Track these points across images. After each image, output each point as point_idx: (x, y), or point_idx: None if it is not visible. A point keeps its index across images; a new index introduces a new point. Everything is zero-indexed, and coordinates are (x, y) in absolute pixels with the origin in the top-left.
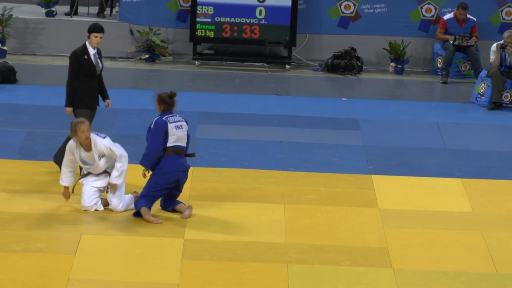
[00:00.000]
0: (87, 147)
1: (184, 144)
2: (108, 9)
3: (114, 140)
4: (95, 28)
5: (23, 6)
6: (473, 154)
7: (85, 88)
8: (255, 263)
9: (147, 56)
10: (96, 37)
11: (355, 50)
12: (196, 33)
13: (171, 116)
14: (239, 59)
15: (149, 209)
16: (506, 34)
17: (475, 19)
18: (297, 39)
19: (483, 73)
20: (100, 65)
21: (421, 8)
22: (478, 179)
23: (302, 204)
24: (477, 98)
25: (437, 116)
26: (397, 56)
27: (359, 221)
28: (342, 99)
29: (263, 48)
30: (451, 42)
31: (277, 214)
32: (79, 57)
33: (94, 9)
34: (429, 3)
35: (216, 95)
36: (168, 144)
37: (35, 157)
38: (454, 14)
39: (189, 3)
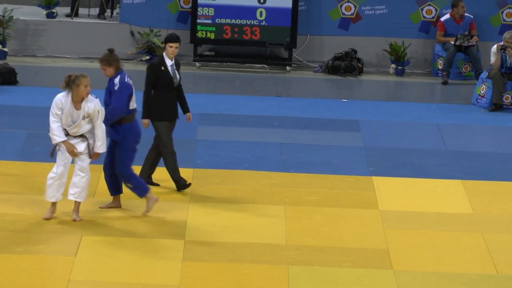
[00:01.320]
0: (78, 104)
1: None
2: (108, 11)
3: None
4: (170, 38)
5: (24, 7)
6: (474, 155)
7: (162, 100)
8: (256, 264)
9: (147, 57)
10: (171, 47)
11: (355, 52)
12: (197, 34)
13: (128, 77)
14: (240, 60)
15: None
16: (506, 35)
17: (471, 16)
18: (298, 40)
19: (484, 74)
20: (178, 76)
21: (422, 9)
22: (478, 180)
23: (302, 206)
24: (478, 100)
25: (437, 117)
26: (398, 58)
27: (359, 222)
28: (343, 100)
29: (264, 49)
30: (452, 43)
31: (278, 216)
32: (155, 69)
33: (95, 11)
34: (429, 5)
35: (217, 96)
36: (131, 107)
37: (35, 159)
38: (450, 14)
39: (190, 5)
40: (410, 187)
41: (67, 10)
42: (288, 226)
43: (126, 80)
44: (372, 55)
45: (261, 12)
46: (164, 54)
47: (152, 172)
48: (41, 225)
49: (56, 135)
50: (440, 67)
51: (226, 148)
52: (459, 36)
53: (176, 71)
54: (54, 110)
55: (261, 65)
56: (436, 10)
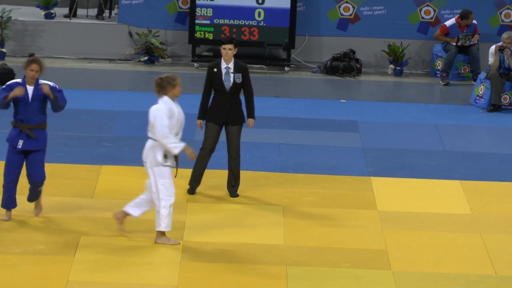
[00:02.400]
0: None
1: None
2: (107, 11)
3: (111, 142)
4: (223, 40)
5: (22, 8)
6: (472, 156)
7: (214, 102)
8: (254, 265)
9: (146, 58)
10: (224, 49)
11: (354, 52)
12: (195, 35)
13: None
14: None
15: None
16: (504, 35)
17: (476, 22)
18: (296, 41)
19: (482, 75)
20: (231, 80)
21: (420, 10)
22: (477, 181)
23: (301, 206)
24: (476, 100)
25: (436, 118)
26: (396, 58)
27: (358, 223)
28: (341, 101)
29: (262, 50)
30: (454, 44)
31: (276, 216)
32: (209, 70)
33: (93, 11)
34: (428, 5)
35: None
36: None
37: None
38: (456, 20)
39: (188, 5)
40: (408, 188)
41: (66, 10)
42: (286, 227)
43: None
44: (371, 55)
45: (259, 13)
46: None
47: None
48: (40, 226)
49: (175, 142)
50: (439, 67)
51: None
52: (460, 36)
53: (232, 75)
54: (164, 121)
55: (259, 66)
56: (434, 10)
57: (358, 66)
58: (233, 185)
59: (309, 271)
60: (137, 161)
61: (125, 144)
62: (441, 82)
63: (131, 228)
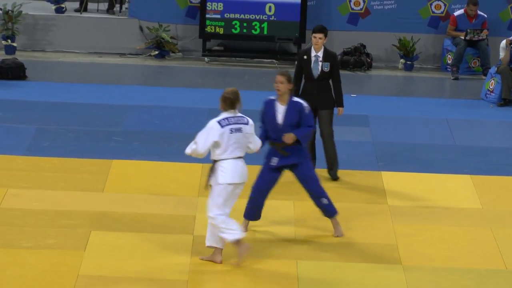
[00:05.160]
0: None
1: None
2: (117, 6)
3: (121, 136)
4: (314, 29)
5: (33, 2)
6: (483, 150)
7: (304, 89)
8: (265, 259)
9: (156, 52)
10: (314, 37)
11: (364, 47)
12: (206, 29)
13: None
14: (249, 55)
15: None
16: None
17: (485, 15)
18: (307, 35)
19: (493, 69)
20: (319, 68)
21: (431, 4)
22: (487, 175)
23: (311, 201)
24: (487, 95)
25: (446, 112)
26: (407, 53)
27: (368, 217)
28: (352, 95)
29: (273, 44)
30: (463, 38)
31: (287, 211)
32: (300, 57)
33: (104, 6)
34: (438, 0)
35: None
36: None
37: (44, 154)
38: (464, 10)
39: (199, 0)
40: (419, 182)
41: (76, 5)
42: (297, 221)
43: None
44: (381, 50)
45: (270, 7)
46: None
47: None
48: (50, 220)
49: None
50: (449, 62)
51: None
52: (468, 30)
53: (320, 63)
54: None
55: (270, 60)
56: (445, 5)
57: (369, 60)
58: (330, 169)
59: (320, 266)
60: (148, 155)
61: (135, 138)
62: (451, 76)
63: (140, 222)
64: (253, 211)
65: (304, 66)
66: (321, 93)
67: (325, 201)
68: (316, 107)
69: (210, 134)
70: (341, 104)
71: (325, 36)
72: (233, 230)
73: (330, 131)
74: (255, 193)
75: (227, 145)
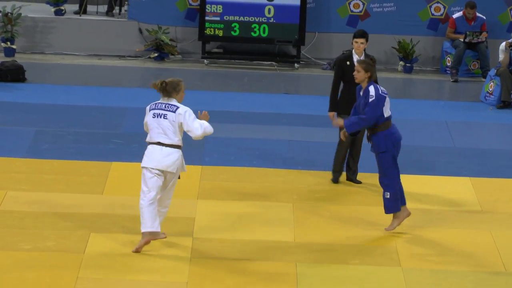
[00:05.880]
0: None
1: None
2: (117, 8)
3: (121, 139)
4: (356, 34)
5: (32, 4)
6: (482, 153)
7: (347, 94)
8: (264, 262)
9: (156, 54)
10: (356, 42)
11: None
12: (205, 31)
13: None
14: (248, 57)
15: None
16: None
17: (484, 17)
18: (306, 37)
19: (492, 72)
20: None
21: (430, 7)
22: (487, 178)
23: (310, 203)
24: (486, 97)
25: (446, 114)
26: (406, 55)
27: (367, 219)
28: None
29: (272, 46)
30: (462, 40)
31: (286, 213)
32: (341, 64)
33: (103, 8)
34: (438, 2)
35: (225, 93)
36: (386, 115)
37: (43, 156)
38: (463, 12)
39: (198, 2)
40: (418, 185)
41: (76, 7)
42: (296, 223)
43: (380, 92)
44: (381, 52)
45: (269, 9)
46: (353, 50)
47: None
48: (49, 222)
49: (205, 123)
50: (448, 64)
51: (235, 145)
52: (468, 32)
53: None
54: (195, 117)
55: (269, 63)
56: (444, 7)
57: None
58: (354, 171)
59: (319, 268)
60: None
61: (134, 140)
62: (450, 78)
63: (139, 225)
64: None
65: (347, 72)
66: None
67: (387, 195)
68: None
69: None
70: None
71: (367, 40)
72: (143, 222)
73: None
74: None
75: (150, 129)
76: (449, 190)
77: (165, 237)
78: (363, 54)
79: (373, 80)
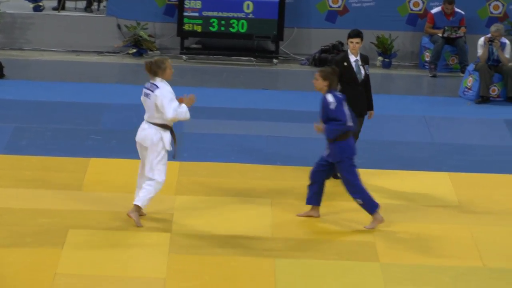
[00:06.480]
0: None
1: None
2: (95, 4)
3: (99, 135)
4: (351, 33)
5: (11, 1)
6: (461, 148)
7: (347, 95)
8: (242, 257)
9: (134, 50)
10: (351, 42)
11: (342, 44)
12: (184, 27)
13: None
14: (227, 53)
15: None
16: (493, 28)
17: (463, 12)
18: (285, 33)
19: (471, 67)
20: (363, 72)
21: (409, 2)
22: (465, 173)
23: (289, 199)
24: (465, 92)
25: (424, 110)
26: (385, 50)
27: (346, 215)
28: None
29: (251, 42)
30: (440, 36)
31: (264, 209)
32: (339, 64)
33: (82, 4)
34: None
35: (204, 89)
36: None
37: (22, 152)
38: (441, 8)
39: None
40: (396, 180)
41: (54, 3)
42: (274, 219)
43: (338, 97)
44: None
45: (248, 5)
46: (348, 50)
47: None
48: (28, 219)
49: (186, 110)
50: (427, 59)
51: (213, 141)
52: (446, 28)
53: (361, 67)
54: (173, 99)
55: (248, 58)
56: (423, 2)
57: None
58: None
59: (298, 264)
60: (126, 153)
61: (113, 136)
62: (429, 74)
63: (118, 221)
64: None
65: (346, 73)
66: (363, 98)
67: (359, 201)
68: (361, 113)
69: None
70: (372, 108)
71: (362, 40)
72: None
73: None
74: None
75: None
76: (427, 185)
77: (141, 226)
78: (359, 54)
79: (332, 89)
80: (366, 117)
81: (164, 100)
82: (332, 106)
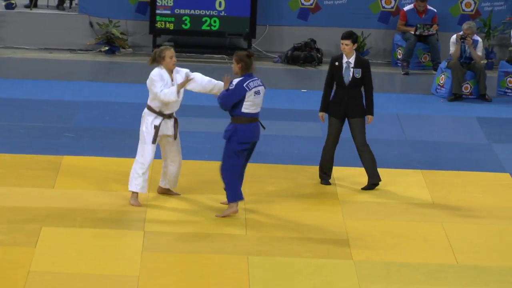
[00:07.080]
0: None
1: (258, 111)
2: (67, 1)
3: (72, 132)
4: (342, 35)
5: None
6: (433, 145)
7: (334, 95)
8: (216, 255)
9: (106, 48)
10: (342, 44)
11: (315, 42)
12: (156, 25)
13: (252, 81)
14: (199, 51)
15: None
16: (465, 25)
17: (435, 10)
18: (257, 31)
19: (443, 64)
20: (350, 75)
21: (381, 0)
22: (438, 170)
23: (262, 196)
24: (437, 90)
25: (397, 107)
26: (357, 48)
27: (319, 213)
28: (302, 90)
29: (223, 40)
30: (413, 33)
31: (238, 206)
32: (332, 63)
33: (54, 1)
34: None
35: None
36: (244, 110)
37: None
38: (414, 5)
39: None
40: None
41: (26, 1)
42: (248, 216)
43: (244, 85)
44: (332, 45)
45: (220, 3)
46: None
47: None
48: (0, 216)
49: (170, 91)
50: (399, 57)
51: (186, 138)
52: (418, 25)
53: (351, 69)
54: (157, 82)
55: (220, 56)
56: (395, 0)
57: (319, 55)
58: (370, 177)
59: (271, 261)
60: (98, 151)
61: (86, 134)
62: (401, 71)
63: (91, 218)
64: None
65: (335, 73)
66: (352, 100)
67: (223, 185)
68: (346, 115)
69: None
70: (371, 113)
71: (353, 42)
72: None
73: (364, 138)
74: None
75: None
76: (400, 183)
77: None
78: (354, 56)
79: (248, 73)
80: (359, 120)
81: (152, 85)
82: (230, 87)
